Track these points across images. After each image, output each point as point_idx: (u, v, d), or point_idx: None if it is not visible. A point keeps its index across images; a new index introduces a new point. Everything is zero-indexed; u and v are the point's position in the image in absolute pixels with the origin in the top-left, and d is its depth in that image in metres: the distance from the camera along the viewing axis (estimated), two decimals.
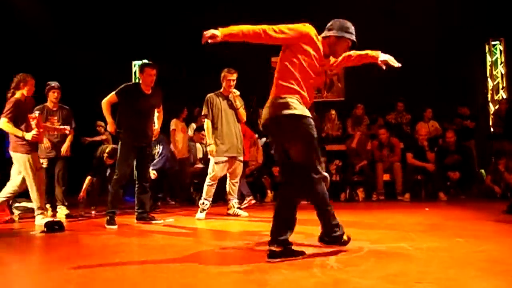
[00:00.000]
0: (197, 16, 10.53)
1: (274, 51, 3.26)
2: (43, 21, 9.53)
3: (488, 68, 10.35)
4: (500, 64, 10.22)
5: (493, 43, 10.30)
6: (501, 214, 5.22)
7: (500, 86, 10.18)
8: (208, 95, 5.82)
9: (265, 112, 3.12)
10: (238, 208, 5.92)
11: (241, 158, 5.86)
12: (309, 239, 3.78)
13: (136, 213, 5.37)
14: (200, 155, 8.83)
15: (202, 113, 5.81)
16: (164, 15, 10.70)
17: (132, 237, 4.45)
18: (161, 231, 4.77)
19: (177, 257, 3.21)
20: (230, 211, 5.90)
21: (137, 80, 11.16)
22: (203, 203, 5.65)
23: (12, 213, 5.98)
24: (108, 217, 5.03)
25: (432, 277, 2.47)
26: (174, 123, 8.33)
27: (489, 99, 10.27)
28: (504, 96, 9.93)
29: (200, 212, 5.64)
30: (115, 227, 4.95)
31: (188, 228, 4.90)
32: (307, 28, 3.09)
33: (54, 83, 6.18)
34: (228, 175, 5.90)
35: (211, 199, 5.71)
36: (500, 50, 10.25)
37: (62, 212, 6.12)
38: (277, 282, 2.47)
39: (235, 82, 5.77)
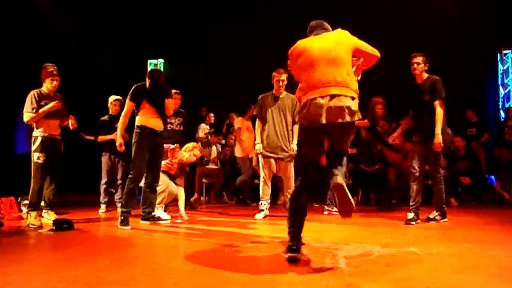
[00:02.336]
0: (213, 15, 10.68)
1: None
2: (61, 20, 9.67)
3: (500, 76, 10.36)
4: None
5: (505, 52, 10.33)
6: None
7: (511, 94, 10.21)
8: (260, 95, 5.97)
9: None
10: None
11: (289, 160, 5.85)
12: (319, 242, 3.83)
13: (142, 213, 5.35)
14: (213, 155, 8.89)
15: (253, 113, 6.01)
16: (180, 14, 10.80)
17: (142, 238, 4.43)
18: (171, 232, 4.80)
19: (187, 259, 3.21)
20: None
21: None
22: (261, 204, 5.81)
23: (21, 210, 5.98)
24: (122, 217, 4.97)
25: (441, 282, 2.51)
26: (239, 122, 8.32)
27: (500, 106, 10.27)
28: None
29: (259, 212, 5.77)
30: (128, 227, 4.91)
31: (199, 230, 4.91)
32: None
33: (53, 68, 5.41)
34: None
35: (267, 197, 5.83)
36: None
37: (50, 217, 5.28)
38: (287, 285, 2.52)
39: (285, 82, 5.82)
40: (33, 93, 5.29)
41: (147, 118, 5.21)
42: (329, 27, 3.40)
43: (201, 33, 10.78)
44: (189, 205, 6.95)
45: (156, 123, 5.26)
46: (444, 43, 9.51)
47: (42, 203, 5.53)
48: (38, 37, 9.41)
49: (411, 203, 5.25)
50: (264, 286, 2.50)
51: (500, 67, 10.39)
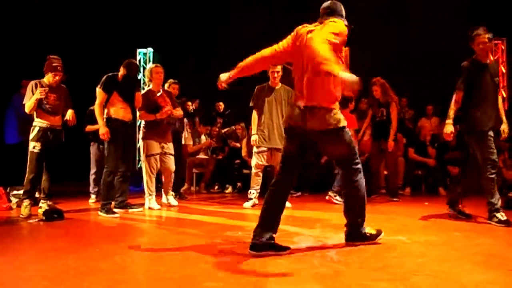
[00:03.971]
0: (202, 4, 10.61)
1: None
2: (49, 9, 9.53)
3: None
4: (501, 63, 10.30)
5: (495, 42, 10.37)
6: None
7: (501, 85, 10.28)
8: (256, 87, 6.00)
9: None
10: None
11: None
12: (310, 231, 3.87)
13: (115, 201, 5.40)
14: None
15: (250, 105, 6.02)
16: (170, 3, 10.72)
17: (132, 228, 4.46)
18: (161, 221, 4.83)
19: (177, 248, 3.22)
20: None
21: (141, 69, 11.28)
22: (250, 192, 5.89)
23: (10, 200, 5.96)
24: (106, 208, 5.04)
25: (428, 269, 2.55)
26: None
27: None
28: (504, 95, 10.04)
29: (247, 201, 5.85)
30: (117, 215, 5.00)
31: (188, 219, 4.92)
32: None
33: (58, 63, 5.28)
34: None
35: (257, 187, 5.91)
36: (502, 50, 10.33)
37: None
38: (277, 273, 2.53)
39: (280, 73, 5.86)
40: (32, 83, 5.23)
41: (116, 109, 5.22)
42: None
43: (191, 22, 10.71)
44: (179, 195, 6.96)
45: (125, 114, 5.29)
46: (434, 38, 9.56)
47: (38, 194, 5.50)
48: (26, 27, 9.27)
49: (495, 202, 4.31)
50: (254, 274, 2.51)
51: (490, 57, 10.45)
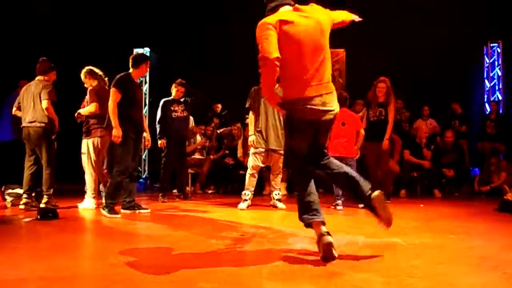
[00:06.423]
0: (200, 3, 10.58)
1: None
2: (46, 7, 9.50)
3: (486, 69, 10.47)
4: (497, 66, 10.36)
5: (491, 45, 10.42)
6: (493, 211, 5.38)
7: (497, 88, 10.33)
8: (253, 88, 5.97)
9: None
10: (277, 200, 5.94)
11: (282, 152, 5.84)
12: (305, 232, 3.86)
13: (123, 202, 5.35)
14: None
15: (246, 106, 6.04)
16: (167, 2, 10.69)
17: (127, 228, 4.42)
18: (156, 222, 4.79)
19: (172, 249, 3.21)
20: (271, 202, 6.00)
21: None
22: (244, 193, 5.85)
23: (5, 199, 5.92)
24: (109, 208, 4.96)
25: (423, 272, 2.55)
26: None
27: (485, 100, 10.40)
28: (500, 98, 10.09)
29: (242, 202, 5.81)
30: (119, 215, 4.95)
31: (183, 220, 4.92)
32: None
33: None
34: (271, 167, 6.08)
35: (252, 188, 5.89)
36: (498, 52, 10.38)
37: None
38: (272, 275, 2.53)
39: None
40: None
41: (130, 109, 5.12)
42: None
43: (189, 21, 10.69)
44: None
45: (138, 114, 5.28)
46: (431, 36, 9.57)
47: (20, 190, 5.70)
48: (23, 25, 9.23)
49: None
50: (249, 276, 2.51)
51: (486, 60, 10.50)
